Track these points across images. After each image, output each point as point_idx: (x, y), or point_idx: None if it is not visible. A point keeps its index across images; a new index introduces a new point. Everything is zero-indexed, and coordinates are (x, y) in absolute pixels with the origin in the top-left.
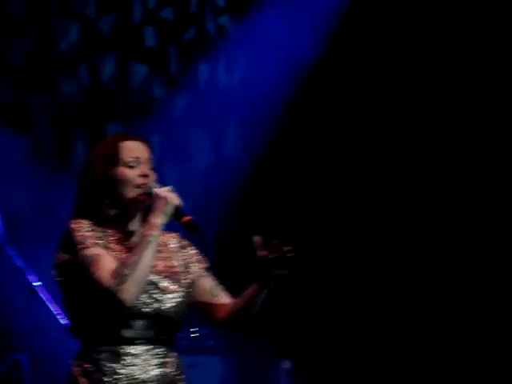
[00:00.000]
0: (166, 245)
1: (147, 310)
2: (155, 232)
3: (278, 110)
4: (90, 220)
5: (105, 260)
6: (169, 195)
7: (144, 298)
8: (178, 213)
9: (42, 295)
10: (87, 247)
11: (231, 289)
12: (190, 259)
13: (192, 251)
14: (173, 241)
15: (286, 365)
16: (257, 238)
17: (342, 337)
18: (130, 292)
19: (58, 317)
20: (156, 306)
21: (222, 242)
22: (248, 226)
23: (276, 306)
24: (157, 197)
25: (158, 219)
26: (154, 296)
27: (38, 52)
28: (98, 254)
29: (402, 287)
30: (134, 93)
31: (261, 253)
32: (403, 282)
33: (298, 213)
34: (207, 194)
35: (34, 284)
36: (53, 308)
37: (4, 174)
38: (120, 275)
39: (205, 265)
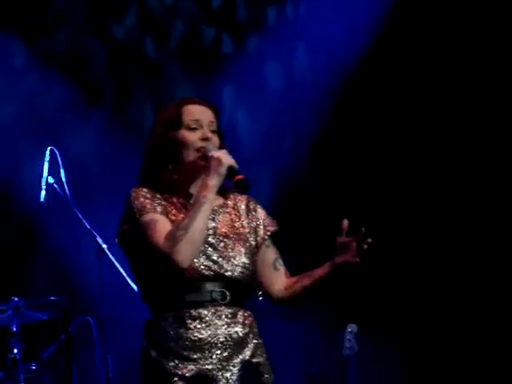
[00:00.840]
0: (234, 206)
1: (209, 272)
2: (209, 193)
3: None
4: (153, 186)
5: (160, 224)
6: (222, 156)
7: (205, 260)
8: (231, 172)
9: (111, 257)
10: (145, 213)
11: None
12: (257, 222)
13: (261, 214)
14: (242, 203)
15: (352, 328)
16: (345, 222)
17: (409, 302)
18: (183, 254)
19: (127, 279)
20: (217, 268)
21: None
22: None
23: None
24: (211, 158)
25: (212, 180)
26: (215, 259)
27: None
28: (154, 219)
29: (475, 271)
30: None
31: (343, 238)
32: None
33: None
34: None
35: (103, 246)
36: (122, 270)
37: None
38: (173, 237)
39: (272, 228)
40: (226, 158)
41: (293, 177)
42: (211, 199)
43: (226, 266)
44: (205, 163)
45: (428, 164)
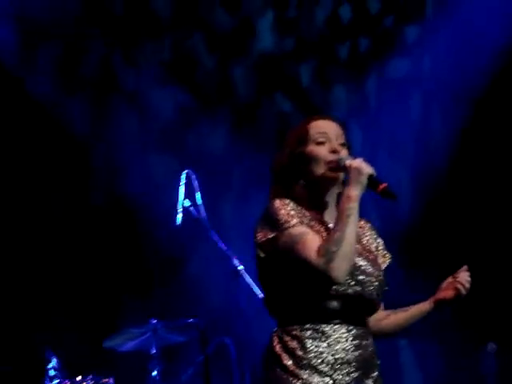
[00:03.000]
0: (362, 229)
1: (350, 290)
2: (353, 204)
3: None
4: (291, 200)
5: (311, 238)
6: (361, 165)
7: (348, 279)
8: (372, 182)
9: (246, 278)
10: (293, 226)
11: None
12: (378, 251)
13: (380, 243)
14: (367, 226)
15: (492, 348)
16: (465, 268)
17: None
18: (340, 268)
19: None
20: (358, 288)
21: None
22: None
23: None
24: (350, 168)
25: (355, 191)
26: (358, 278)
27: None
28: (304, 233)
29: None
30: None
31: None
32: None
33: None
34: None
35: (238, 268)
36: (257, 291)
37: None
38: (327, 252)
39: (387, 261)
40: (365, 167)
41: None
42: (356, 210)
43: (364, 285)
44: (338, 175)
45: None
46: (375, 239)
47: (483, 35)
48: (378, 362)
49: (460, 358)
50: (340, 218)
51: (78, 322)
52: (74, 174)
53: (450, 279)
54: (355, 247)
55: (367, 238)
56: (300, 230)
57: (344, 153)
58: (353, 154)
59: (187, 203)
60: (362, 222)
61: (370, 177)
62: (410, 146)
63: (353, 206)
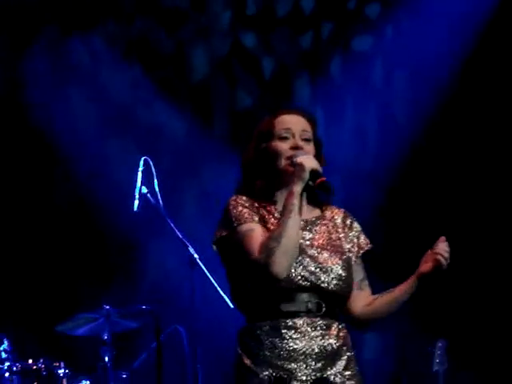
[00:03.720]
0: (331, 219)
1: (306, 283)
2: (295, 200)
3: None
4: (250, 195)
5: (257, 234)
6: (305, 160)
7: (302, 271)
8: (313, 176)
9: (202, 267)
10: (243, 223)
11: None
12: (352, 238)
13: (356, 230)
14: (339, 216)
15: (442, 345)
16: (442, 239)
17: (498, 317)
18: (279, 264)
19: (218, 289)
20: (313, 279)
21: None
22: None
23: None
24: (295, 164)
25: (297, 187)
26: (312, 270)
27: None
28: (251, 229)
29: None
30: None
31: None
32: None
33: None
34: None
35: (195, 256)
36: (214, 281)
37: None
38: (267, 248)
39: (366, 247)
40: (309, 162)
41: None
42: (298, 205)
43: (322, 277)
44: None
45: None
46: (350, 228)
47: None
48: (349, 354)
49: (411, 355)
50: (282, 214)
51: (31, 305)
52: (31, 161)
53: (428, 252)
54: (297, 242)
55: (338, 228)
56: (248, 226)
57: (308, 149)
58: (323, 148)
59: (144, 190)
60: (335, 211)
61: (312, 171)
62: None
63: (294, 202)
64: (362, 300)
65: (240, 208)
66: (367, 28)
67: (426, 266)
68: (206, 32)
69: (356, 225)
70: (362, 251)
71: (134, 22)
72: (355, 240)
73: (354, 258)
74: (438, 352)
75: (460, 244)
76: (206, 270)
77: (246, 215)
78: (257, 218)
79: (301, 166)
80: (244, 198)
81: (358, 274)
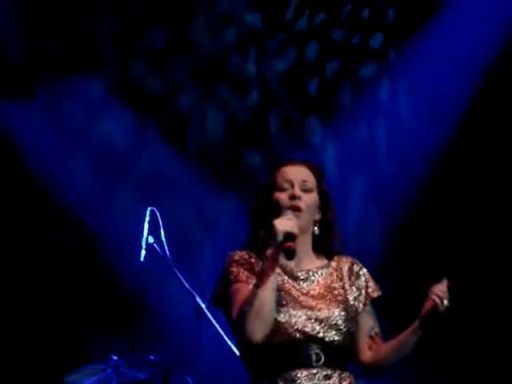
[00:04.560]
0: (337, 268)
1: (301, 335)
2: (268, 264)
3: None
4: (254, 247)
5: (239, 296)
6: (278, 223)
7: (297, 323)
8: (288, 238)
9: (210, 317)
10: (236, 282)
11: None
12: (360, 286)
13: (364, 278)
14: (346, 264)
15: None
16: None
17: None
18: (251, 330)
19: (225, 338)
20: (309, 330)
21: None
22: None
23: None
24: (272, 227)
25: (271, 249)
26: (307, 321)
27: None
28: (238, 290)
29: None
30: None
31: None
32: None
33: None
34: None
35: (202, 306)
36: (221, 330)
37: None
38: (240, 312)
39: (375, 294)
40: (283, 225)
41: None
42: (272, 269)
43: (318, 328)
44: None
45: None
46: (356, 276)
47: None
48: None
49: None
50: (257, 278)
51: (39, 357)
52: (37, 213)
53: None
54: (271, 306)
55: (344, 277)
56: (239, 287)
57: (307, 199)
58: (331, 198)
59: (151, 240)
60: (343, 260)
61: (288, 234)
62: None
63: (267, 265)
64: (372, 348)
65: (236, 266)
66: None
67: (424, 307)
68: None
69: (364, 271)
70: (370, 298)
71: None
72: (363, 287)
73: (361, 306)
74: None
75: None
76: (213, 320)
77: (241, 274)
78: (247, 276)
79: (274, 229)
80: (244, 252)
81: (367, 322)
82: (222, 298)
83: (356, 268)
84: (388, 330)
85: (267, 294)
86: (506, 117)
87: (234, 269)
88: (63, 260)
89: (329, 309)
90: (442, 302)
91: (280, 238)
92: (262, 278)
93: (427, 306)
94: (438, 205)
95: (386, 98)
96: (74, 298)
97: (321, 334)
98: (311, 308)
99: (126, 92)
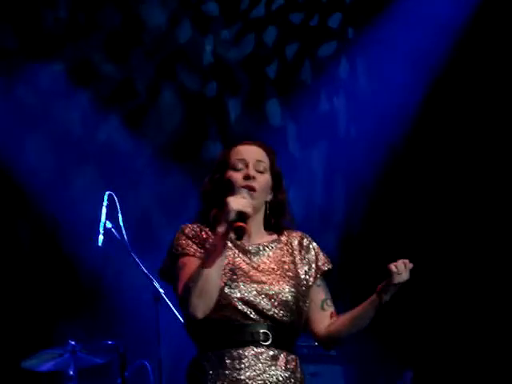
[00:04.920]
0: (287, 242)
1: (250, 311)
2: (218, 241)
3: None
4: (205, 224)
5: (186, 271)
6: (232, 201)
7: (246, 298)
8: (240, 217)
9: (168, 302)
10: (183, 255)
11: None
12: (310, 260)
13: (314, 251)
14: (296, 239)
15: (408, 375)
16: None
17: (464, 347)
18: (194, 306)
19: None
20: (259, 307)
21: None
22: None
23: (397, 316)
24: (225, 204)
25: (221, 227)
26: (256, 296)
27: None
28: (186, 264)
29: None
30: None
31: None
32: None
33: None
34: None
35: (160, 290)
36: (178, 314)
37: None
38: (185, 288)
39: (325, 268)
40: (236, 203)
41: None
42: (221, 246)
43: (268, 304)
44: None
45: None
46: (306, 250)
47: None
48: (298, 381)
49: None
50: (205, 254)
51: None
52: None
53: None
54: (216, 284)
55: (294, 252)
56: (184, 260)
57: (261, 179)
58: (283, 178)
59: (109, 225)
60: (293, 235)
61: (240, 213)
62: None
63: (216, 243)
64: (325, 320)
65: (184, 239)
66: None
67: (384, 282)
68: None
69: (314, 245)
70: (320, 271)
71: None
72: (313, 261)
73: (312, 280)
74: (404, 383)
75: (428, 270)
76: (171, 305)
77: (188, 247)
78: (195, 250)
79: (227, 207)
80: (195, 225)
81: (319, 294)
82: (169, 272)
83: (306, 242)
84: (351, 303)
85: (213, 272)
86: (462, 96)
87: (183, 241)
88: (21, 245)
89: (279, 284)
90: (397, 270)
91: (232, 216)
92: (209, 255)
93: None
94: (397, 173)
95: (346, 76)
96: (31, 283)
97: (270, 312)
98: (262, 283)
99: (83, 77)
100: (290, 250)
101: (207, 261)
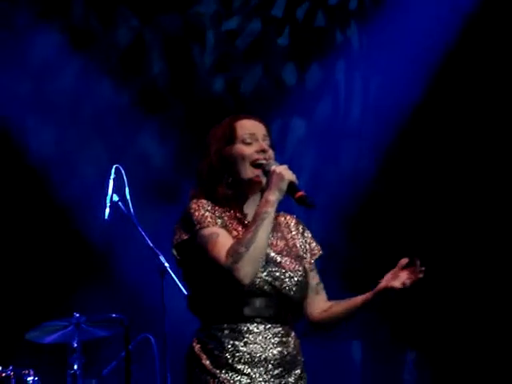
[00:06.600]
0: (285, 225)
1: (267, 287)
2: (270, 209)
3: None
4: (210, 200)
5: (222, 238)
6: (284, 171)
7: (264, 275)
8: (292, 188)
9: (173, 276)
10: (206, 226)
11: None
12: (305, 245)
13: (308, 237)
14: (292, 222)
15: (411, 356)
16: (403, 262)
17: (468, 330)
18: (245, 270)
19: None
20: (276, 284)
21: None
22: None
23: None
24: (273, 173)
25: (273, 196)
26: (275, 274)
27: None
28: (215, 233)
29: None
30: None
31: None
32: None
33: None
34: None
35: (166, 265)
36: (183, 289)
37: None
38: (235, 253)
39: (318, 253)
40: (288, 173)
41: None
42: (272, 214)
43: (282, 282)
44: (263, 178)
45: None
46: (302, 234)
47: None
48: (302, 359)
49: (381, 365)
50: (254, 221)
51: (0, 314)
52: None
53: (395, 270)
54: (265, 250)
55: (292, 233)
56: (212, 230)
57: (271, 153)
58: (276, 155)
59: (116, 198)
60: (288, 218)
61: (291, 184)
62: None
63: (269, 211)
64: (319, 304)
65: (202, 211)
66: None
67: (386, 283)
68: None
69: (307, 231)
70: (315, 257)
71: None
72: (307, 246)
73: (307, 264)
74: (408, 363)
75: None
76: (176, 279)
77: (209, 219)
78: (220, 223)
79: (280, 176)
80: (205, 201)
81: (313, 279)
82: (187, 245)
83: (300, 226)
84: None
85: (264, 239)
86: (462, 96)
87: (203, 214)
88: (27, 218)
89: (292, 265)
90: (405, 286)
91: (285, 186)
92: (260, 222)
93: (387, 279)
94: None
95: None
96: (37, 255)
97: (286, 290)
98: (278, 263)
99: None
100: (290, 232)
101: (260, 228)
